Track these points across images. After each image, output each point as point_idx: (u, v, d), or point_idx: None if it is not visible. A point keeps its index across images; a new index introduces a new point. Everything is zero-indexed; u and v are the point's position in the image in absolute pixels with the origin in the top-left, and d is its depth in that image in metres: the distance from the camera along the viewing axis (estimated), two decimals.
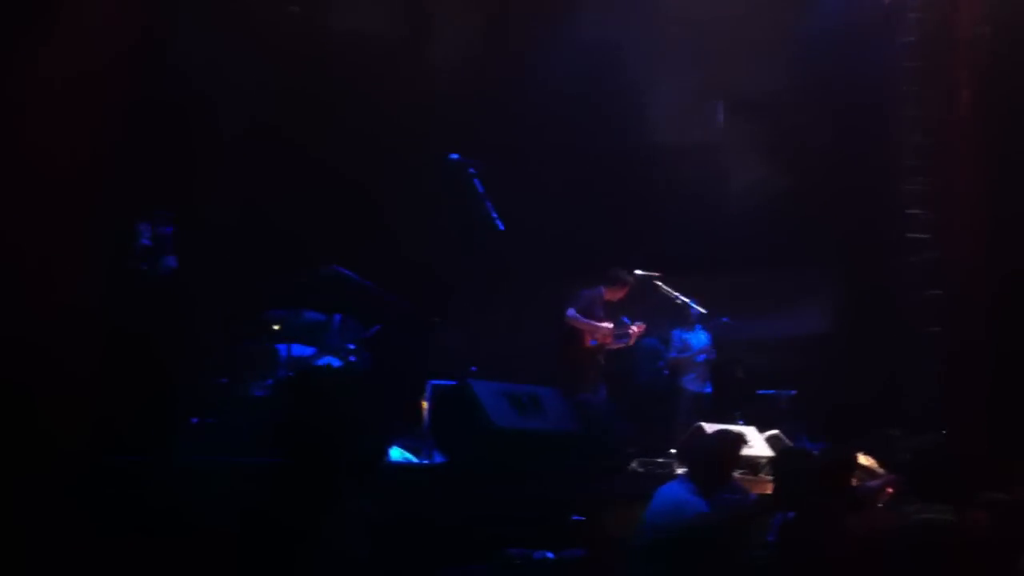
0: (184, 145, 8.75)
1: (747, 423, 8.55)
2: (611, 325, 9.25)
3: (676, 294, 9.88)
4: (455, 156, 9.39)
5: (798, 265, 11.10)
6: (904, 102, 9.71)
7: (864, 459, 6.04)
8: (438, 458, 7.52)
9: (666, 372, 10.33)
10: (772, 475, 6.11)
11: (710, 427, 7.04)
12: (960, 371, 8.81)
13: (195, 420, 7.22)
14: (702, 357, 10.05)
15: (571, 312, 9.20)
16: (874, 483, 5.90)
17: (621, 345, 9.42)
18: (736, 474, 6.49)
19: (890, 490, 5.77)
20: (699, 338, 10.15)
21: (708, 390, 10.11)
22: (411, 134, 10.48)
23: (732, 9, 10.36)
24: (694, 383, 10.09)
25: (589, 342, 9.27)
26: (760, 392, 10.30)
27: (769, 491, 6.66)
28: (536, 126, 10.82)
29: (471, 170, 9.26)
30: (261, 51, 9.61)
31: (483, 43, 11.67)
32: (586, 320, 9.22)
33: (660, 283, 9.90)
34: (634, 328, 9.35)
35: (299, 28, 10.53)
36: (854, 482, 5.71)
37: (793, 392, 10.42)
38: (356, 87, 10.35)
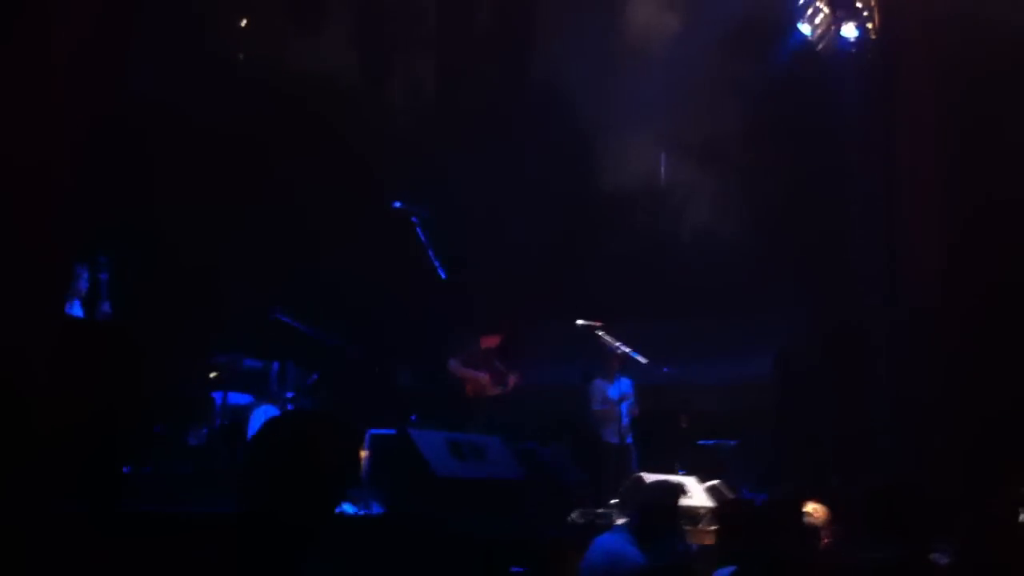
0: (128, 186, 8.61)
1: (688, 473, 8.55)
2: (487, 375, 9.53)
3: (617, 344, 9.86)
4: (399, 204, 9.47)
5: (748, 312, 11.20)
6: (855, 150, 9.88)
7: (812, 507, 6.04)
8: (376, 508, 7.43)
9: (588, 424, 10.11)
10: (716, 526, 6.09)
11: (649, 477, 7.03)
12: (909, 418, 8.88)
13: (127, 469, 7.06)
14: (625, 406, 9.80)
15: (452, 363, 9.48)
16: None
17: (499, 391, 9.62)
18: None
19: (825, 540, 5.78)
20: (620, 388, 9.95)
21: (628, 441, 9.78)
22: (359, 180, 10.49)
23: (685, 55, 10.51)
24: (614, 435, 9.77)
25: (470, 391, 9.49)
26: (701, 442, 10.27)
27: (708, 542, 6.69)
28: (488, 172, 10.88)
29: (414, 218, 9.35)
30: (215, 93, 9.58)
31: (438, 88, 11.77)
32: (465, 369, 9.44)
33: (602, 332, 9.90)
34: (511, 377, 9.56)
35: (257, 69, 10.53)
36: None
37: (735, 442, 10.41)
38: (308, 130, 10.34)
